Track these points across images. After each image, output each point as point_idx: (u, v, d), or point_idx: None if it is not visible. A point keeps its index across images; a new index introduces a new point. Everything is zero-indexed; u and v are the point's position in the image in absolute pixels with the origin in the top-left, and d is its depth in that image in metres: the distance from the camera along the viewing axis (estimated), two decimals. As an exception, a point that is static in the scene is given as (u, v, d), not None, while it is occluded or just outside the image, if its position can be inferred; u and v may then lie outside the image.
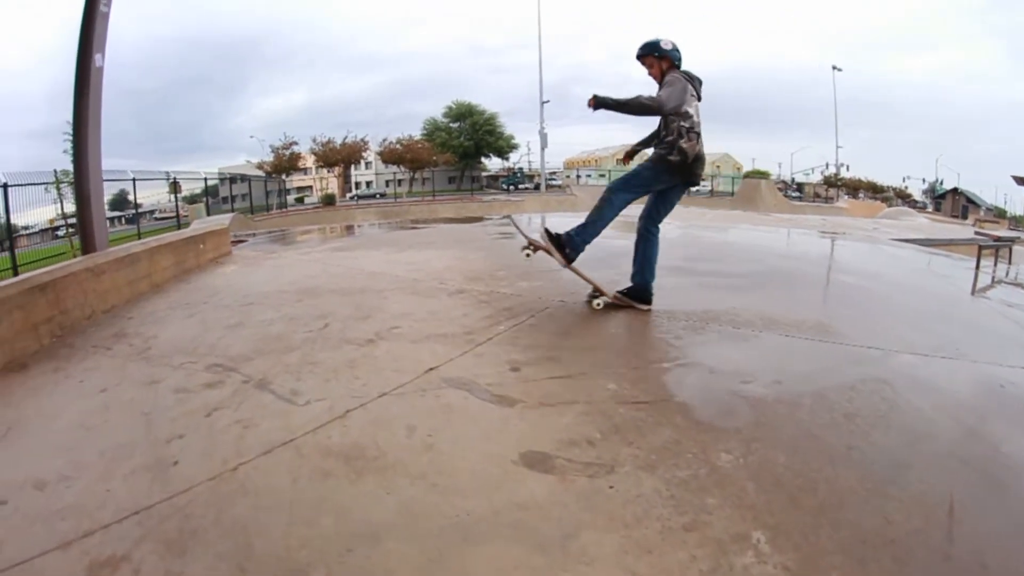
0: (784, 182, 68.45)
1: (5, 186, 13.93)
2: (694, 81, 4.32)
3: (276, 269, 6.76)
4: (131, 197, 25.79)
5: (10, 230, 14.16)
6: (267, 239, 11.73)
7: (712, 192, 47.52)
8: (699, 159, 4.28)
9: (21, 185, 14.38)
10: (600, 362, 3.46)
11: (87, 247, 6.17)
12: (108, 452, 2.51)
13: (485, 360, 3.44)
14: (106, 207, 20.15)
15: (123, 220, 25.84)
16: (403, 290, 5.13)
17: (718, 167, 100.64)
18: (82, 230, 6.32)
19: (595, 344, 3.78)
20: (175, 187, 25.76)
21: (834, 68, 58.14)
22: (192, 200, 30.08)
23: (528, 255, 4.59)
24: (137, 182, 22.75)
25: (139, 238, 18.99)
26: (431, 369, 3.30)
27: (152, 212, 31.01)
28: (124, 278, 5.58)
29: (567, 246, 4.43)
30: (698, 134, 4.23)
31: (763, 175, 76.18)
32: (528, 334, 3.88)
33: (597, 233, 4.44)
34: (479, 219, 14.61)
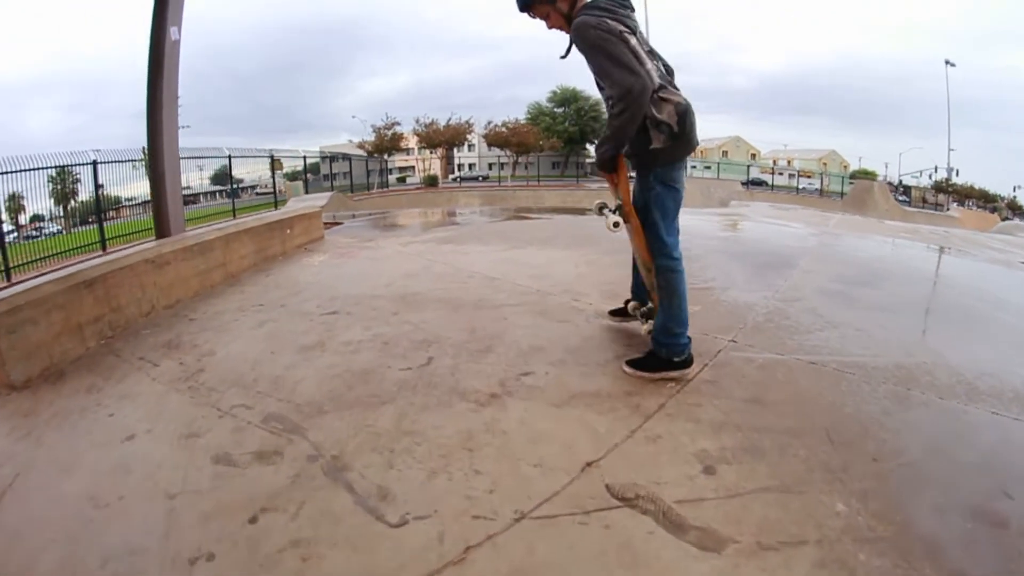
0: (891, 184, 64.61)
1: (95, 163, 14.13)
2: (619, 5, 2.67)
3: (371, 262, 5.79)
4: (233, 172, 25.57)
5: (99, 206, 14.28)
6: (365, 222, 10.91)
7: (821, 192, 44.94)
8: (686, 117, 2.69)
9: (109, 162, 14.69)
10: (813, 457, 2.24)
11: (161, 231, 5.66)
12: (109, 560, 1.78)
13: (664, 448, 2.29)
14: (208, 181, 20.33)
15: (224, 195, 25.71)
16: (528, 307, 3.96)
17: (725, 152, 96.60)
18: (156, 213, 5.81)
19: (797, 424, 2.46)
20: (273, 164, 25.99)
21: (947, 63, 52.64)
22: (293, 177, 30.11)
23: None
24: (238, 159, 23.17)
25: (234, 215, 19.24)
26: (589, 464, 2.17)
27: (254, 187, 31.27)
28: (192, 269, 4.86)
29: (670, 355, 2.88)
30: (666, 85, 2.69)
31: (870, 175, 73.45)
32: (708, 398, 2.69)
33: (685, 310, 2.88)
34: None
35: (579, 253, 5.68)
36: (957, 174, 55.35)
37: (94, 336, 3.72)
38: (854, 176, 68.87)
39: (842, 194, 40.67)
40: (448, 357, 3.09)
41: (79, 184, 15.28)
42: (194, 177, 25.33)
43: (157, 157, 5.51)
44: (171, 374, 3.11)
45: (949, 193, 53.79)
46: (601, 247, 5.74)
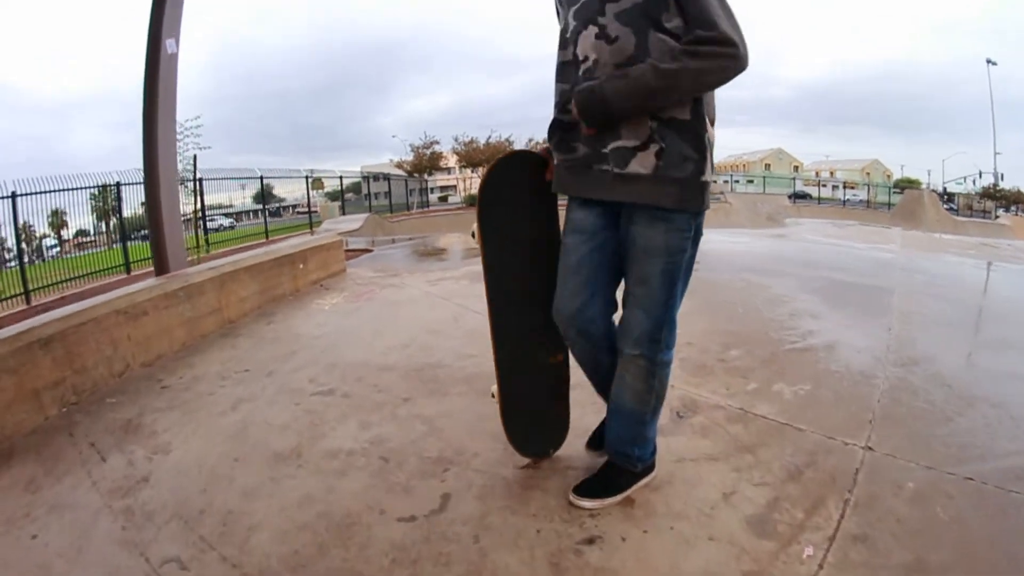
0: (935, 192, 63.00)
1: (119, 184, 13.97)
2: None
3: (391, 309, 4.91)
4: (275, 192, 26.15)
5: (123, 227, 14.01)
6: (397, 249, 10.14)
7: (868, 203, 44.48)
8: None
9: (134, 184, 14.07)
10: None
11: (159, 267, 5.01)
12: None
13: None
14: (250, 199, 20.13)
15: (268, 212, 25.60)
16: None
17: (768, 165, 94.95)
18: (154, 247, 5.15)
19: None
20: (307, 184, 26.00)
21: (988, 62, 50.68)
22: (334, 197, 30.00)
23: None
24: (278, 179, 23.03)
25: (267, 236, 18.75)
26: None
27: (295, 206, 31.21)
28: (177, 317, 4.09)
29: (642, 465, 2.07)
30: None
31: (914, 184, 72.31)
32: (865, 560, 1.75)
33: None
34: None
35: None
36: (1003, 178, 53.34)
37: (54, 403, 3.12)
38: (898, 185, 67.88)
39: (889, 205, 39.96)
40: (473, 497, 2.09)
41: (121, 202, 14.73)
42: (236, 196, 25.24)
43: (153, 183, 4.86)
44: (113, 479, 2.39)
45: (997, 199, 51.52)
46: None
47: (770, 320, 4.24)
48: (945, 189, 64.53)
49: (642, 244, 1.76)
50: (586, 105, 1.68)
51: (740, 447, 2.38)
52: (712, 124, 1.73)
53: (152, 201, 4.93)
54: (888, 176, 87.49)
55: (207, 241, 15.21)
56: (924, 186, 70.02)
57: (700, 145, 1.67)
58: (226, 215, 32.06)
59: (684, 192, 1.67)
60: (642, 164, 1.67)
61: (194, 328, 4.19)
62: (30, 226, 16.25)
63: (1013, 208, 53.18)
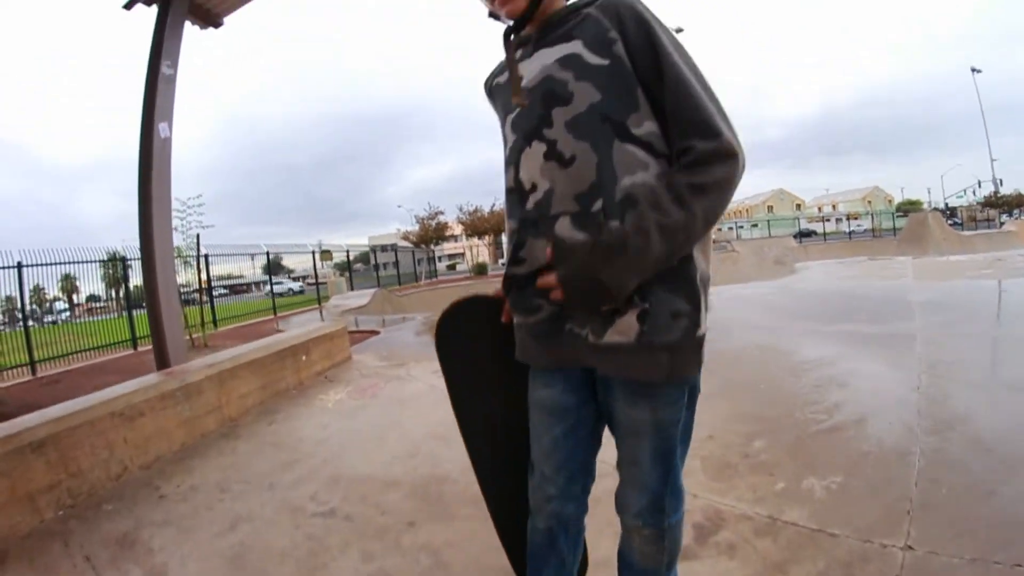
0: (937, 209, 63.46)
1: (124, 259, 14.32)
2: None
3: (396, 408, 4.74)
4: (283, 262, 26.10)
5: (129, 302, 14.11)
6: (405, 330, 9.99)
7: (874, 232, 44.72)
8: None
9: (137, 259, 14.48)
10: None
11: (160, 361, 5.03)
12: None
13: None
14: (260, 270, 20.17)
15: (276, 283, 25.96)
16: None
17: (771, 207, 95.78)
18: (154, 338, 5.20)
19: None
20: (314, 259, 26.39)
21: (973, 71, 51.54)
22: (342, 268, 30.27)
23: None
24: (287, 252, 23.31)
25: (274, 312, 18.79)
26: None
27: (304, 277, 31.62)
28: (176, 417, 3.99)
29: None
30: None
31: (915, 205, 74.58)
32: None
33: None
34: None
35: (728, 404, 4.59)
36: (1002, 184, 54.10)
37: (50, 506, 3.07)
38: (900, 209, 69.42)
39: (894, 230, 40.58)
40: None
41: (127, 276, 14.99)
42: (246, 267, 25.53)
43: (151, 278, 4.88)
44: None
45: (999, 206, 51.59)
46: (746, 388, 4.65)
47: (794, 396, 4.01)
48: (947, 204, 65.81)
49: (626, 423, 1.41)
50: (576, 294, 1.26)
51: (770, 565, 2.22)
52: (708, 247, 1.34)
53: (151, 297, 4.93)
54: (890, 201, 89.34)
55: (214, 320, 15.18)
56: (925, 206, 71.22)
57: (693, 291, 1.28)
58: (294, 279, 32.87)
59: (676, 359, 1.29)
60: (621, 332, 1.28)
61: (194, 428, 4.09)
62: (41, 288, 16.44)
63: (1016, 212, 53.29)
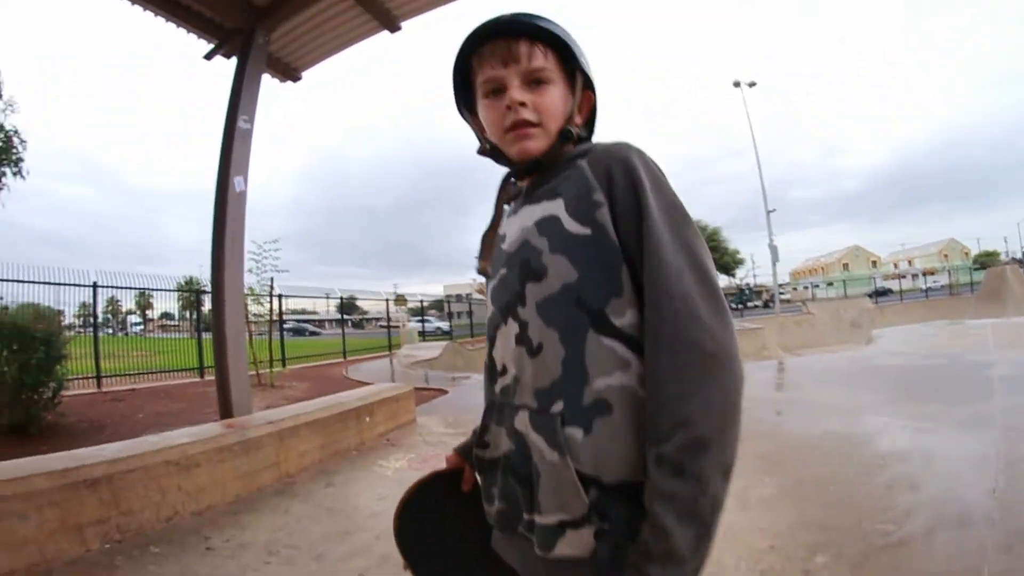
0: (1013, 259, 59.88)
1: (199, 291, 15.13)
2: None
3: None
4: (358, 303, 26.87)
5: (199, 332, 14.57)
6: (473, 391, 9.97)
7: (951, 289, 42.67)
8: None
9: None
10: None
11: (223, 410, 5.10)
12: None
13: None
14: (334, 308, 20.75)
15: (350, 324, 26.76)
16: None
17: (846, 265, 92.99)
18: (219, 389, 5.23)
19: None
20: (387, 307, 27.04)
21: None
22: (415, 313, 30.87)
23: None
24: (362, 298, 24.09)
25: (344, 356, 19.14)
26: None
27: (377, 319, 32.43)
28: (232, 471, 4.10)
29: None
30: None
31: (992, 257, 73.76)
32: None
33: None
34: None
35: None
36: None
37: (97, 538, 3.29)
38: (977, 261, 69.96)
39: (971, 285, 39.94)
40: None
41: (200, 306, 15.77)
42: (320, 304, 26.39)
43: (219, 319, 5.00)
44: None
45: None
46: (756, 458, 4.43)
47: (864, 500, 3.79)
48: None
49: None
50: None
51: None
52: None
53: (218, 347, 5.06)
54: (966, 254, 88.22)
55: (283, 359, 15.56)
56: (1003, 256, 68.45)
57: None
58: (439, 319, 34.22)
59: None
60: (574, 545, 1.01)
61: (250, 481, 4.18)
62: (117, 300, 17.26)
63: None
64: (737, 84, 35.16)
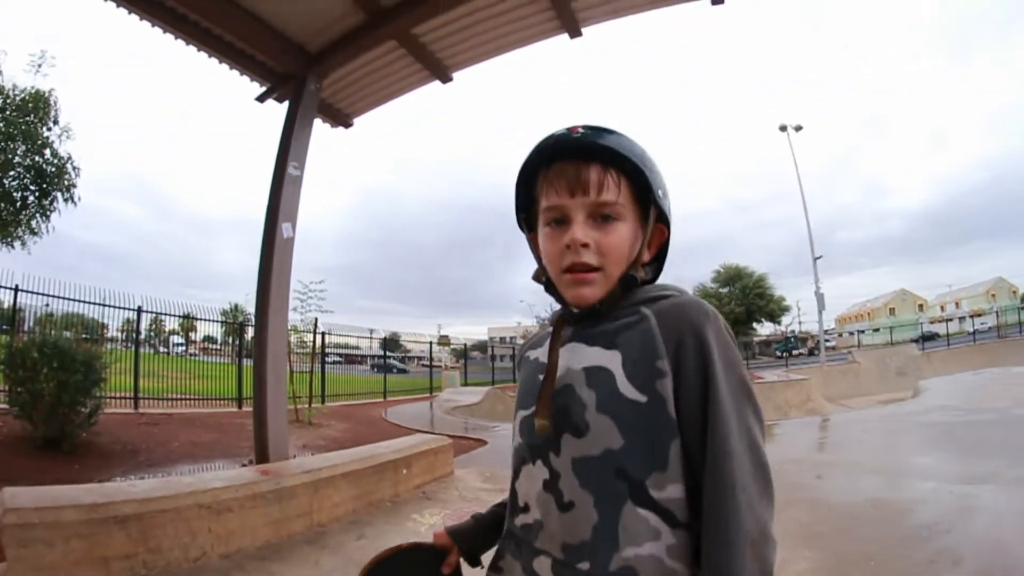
0: None
1: (242, 324, 15.81)
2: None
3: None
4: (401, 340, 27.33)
5: (240, 365, 14.63)
6: (511, 444, 9.80)
7: (999, 331, 40.95)
8: None
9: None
10: None
11: (260, 455, 5.14)
12: None
13: None
14: (376, 343, 20.94)
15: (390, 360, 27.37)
16: None
17: (892, 310, 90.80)
18: (257, 432, 5.27)
19: None
20: (431, 349, 27.83)
21: None
22: (458, 355, 31.06)
23: None
24: (407, 333, 24.79)
25: (384, 396, 19.24)
26: None
27: (420, 358, 32.86)
28: (263, 517, 4.09)
29: None
30: None
31: None
32: None
33: None
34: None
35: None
36: None
37: (123, 572, 3.34)
38: None
39: (1020, 326, 39.59)
40: None
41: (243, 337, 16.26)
42: (364, 341, 26.82)
43: (261, 364, 5.02)
44: None
45: None
46: (796, 527, 4.25)
47: None
48: None
49: None
50: None
51: None
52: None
53: (258, 393, 5.10)
54: (1014, 292, 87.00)
55: (323, 395, 15.69)
56: None
57: None
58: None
59: None
60: None
61: (280, 528, 4.15)
62: (161, 319, 17.66)
63: None
64: (783, 128, 34.90)
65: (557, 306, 1.19)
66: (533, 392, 1.13)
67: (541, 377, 1.11)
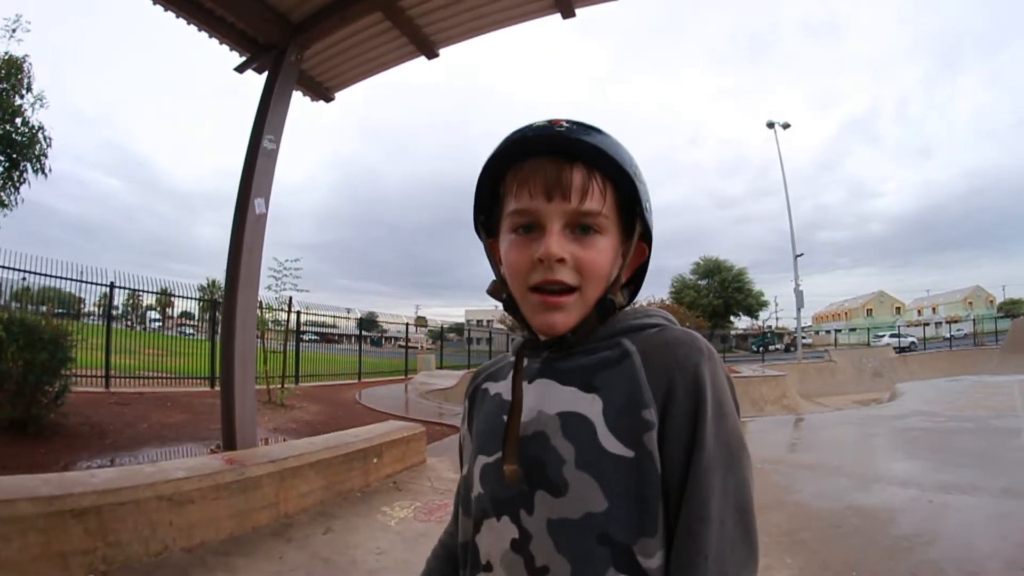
0: None
1: (214, 301, 15.05)
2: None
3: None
4: (378, 320, 29.10)
5: (214, 346, 14.00)
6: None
7: (975, 339, 41.91)
8: None
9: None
10: None
11: (227, 442, 4.98)
12: None
13: None
14: (354, 322, 20.66)
15: (369, 341, 27.15)
16: None
17: (870, 311, 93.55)
18: (225, 422, 5.07)
19: None
20: (407, 328, 27.74)
21: None
22: (435, 336, 31.02)
23: None
24: (384, 314, 24.72)
25: (359, 378, 19.11)
26: None
27: (396, 339, 32.95)
28: (227, 508, 3.92)
29: None
30: None
31: (1017, 304, 74.90)
32: None
33: None
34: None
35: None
36: None
37: (82, 568, 3.19)
38: (1002, 309, 72.02)
39: (996, 334, 39.69)
40: None
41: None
42: (341, 320, 26.74)
43: (229, 345, 4.84)
44: None
45: None
46: (779, 533, 4.17)
47: None
48: None
49: None
50: None
51: None
52: None
53: (226, 374, 4.91)
54: (991, 301, 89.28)
55: (296, 376, 15.54)
56: None
57: None
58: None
59: None
60: None
61: (245, 520, 4.01)
62: (138, 295, 17.34)
63: None
64: (771, 125, 34.99)
65: None
66: (496, 434, 0.96)
67: (505, 417, 0.94)
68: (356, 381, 18.81)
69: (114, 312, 12.79)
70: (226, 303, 4.98)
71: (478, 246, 1.03)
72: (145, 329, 22.82)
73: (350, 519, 4.54)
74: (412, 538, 4.37)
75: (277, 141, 5.27)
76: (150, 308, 23.65)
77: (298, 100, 6.08)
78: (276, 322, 12.48)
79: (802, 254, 34.50)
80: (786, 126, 35.27)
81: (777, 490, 5.64)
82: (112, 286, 12.31)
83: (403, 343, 28.09)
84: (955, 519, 4.64)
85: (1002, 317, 48.18)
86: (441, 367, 25.28)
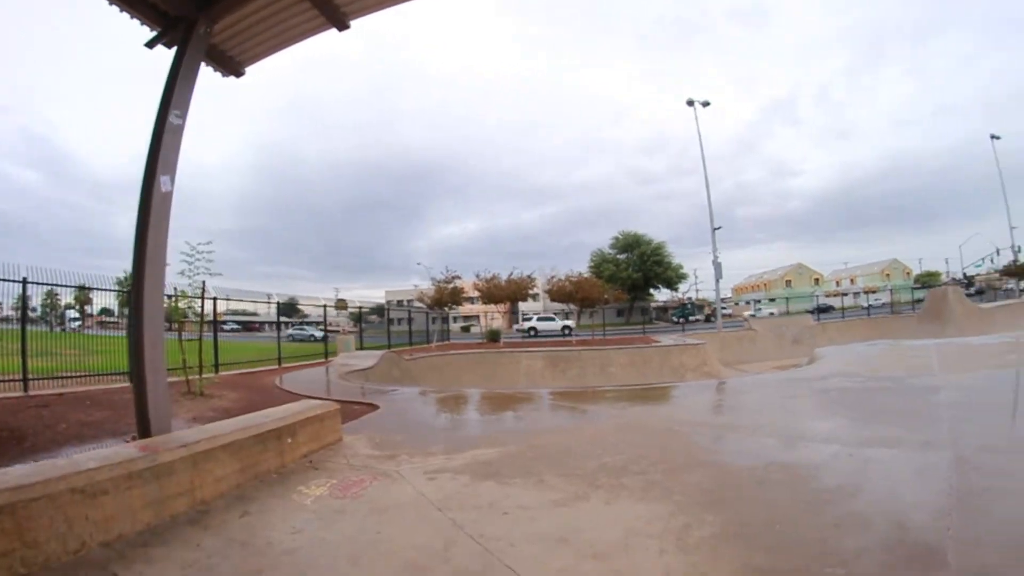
0: (954, 280, 62.48)
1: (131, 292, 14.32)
2: None
3: (377, 520, 4.31)
4: (299, 306, 29.34)
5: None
6: (404, 408, 9.89)
7: (892, 307, 44.77)
8: None
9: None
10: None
11: (142, 429, 4.83)
12: None
13: None
14: (273, 309, 20.17)
15: (289, 326, 26.69)
16: None
17: (789, 282, 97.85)
18: (137, 403, 4.91)
19: None
20: (325, 310, 27.32)
21: (993, 137, 52.69)
22: (356, 319, 30.83)
23: None
24: (304, 297, 24.15)
25: (279, 363, 18.81)
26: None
27: (317, 323, 32.65)
28: (142, 498, 3.88)
29: None
30: None
31: (933, 277, 77.83)
32: None
33: None
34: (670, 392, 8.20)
35: (667, 508, 4.21)
36: (1020, 251, 53.84)
37: (1, 573, 3.10)
38: (918, 281, 74.08)
39: (913, 304, 41.45)
40: None
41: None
42: (262, 307, 26.28)
43: (139, 328, 4.68)
44: None
45: (1018, 275, 52.14)
46: (698, 492, 4.35)
47: (814, 543, 3.57)
48: (964, 274, 69.12)
49: None
50: None
51: None
52: None
53: (136, 359, 4.80)
54: (908, 273, 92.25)
55: (216, 364, 15.20)
56: (944, 277, 72.17)
57: None
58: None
59: None
60: None
61: (162, 509, 3.98)
62: (56, 294, 16.55)
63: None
64: (691, 103, 35.84)
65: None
66: None
67: None
68: (277, 367, 18.48)
69: (32, 314, 12.13)
70: (134, 284, 4.83)
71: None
72: (65, 330, 21.93)
73: (267, 501, 4.54)
74: (328, 517, 4.39)
75: (184, 116, 5.13)
76: (69, 307, 22.69)
77: (210, 76, 5.97)
78: (193, 311, 12.10)
79: (720, 227, 35.61)
80: (706, 104, 36.20)
81: (697, 451, 5.81)
82: (25, 282, 11.60)
83: (323, 328, 27.95)
84: (878, 472, 4.77)
85: (918, 288, 50.13)
86: (362, 348, 25.10)
